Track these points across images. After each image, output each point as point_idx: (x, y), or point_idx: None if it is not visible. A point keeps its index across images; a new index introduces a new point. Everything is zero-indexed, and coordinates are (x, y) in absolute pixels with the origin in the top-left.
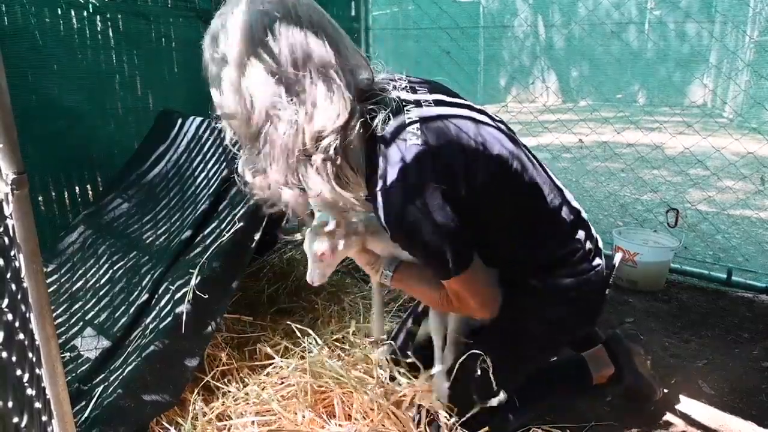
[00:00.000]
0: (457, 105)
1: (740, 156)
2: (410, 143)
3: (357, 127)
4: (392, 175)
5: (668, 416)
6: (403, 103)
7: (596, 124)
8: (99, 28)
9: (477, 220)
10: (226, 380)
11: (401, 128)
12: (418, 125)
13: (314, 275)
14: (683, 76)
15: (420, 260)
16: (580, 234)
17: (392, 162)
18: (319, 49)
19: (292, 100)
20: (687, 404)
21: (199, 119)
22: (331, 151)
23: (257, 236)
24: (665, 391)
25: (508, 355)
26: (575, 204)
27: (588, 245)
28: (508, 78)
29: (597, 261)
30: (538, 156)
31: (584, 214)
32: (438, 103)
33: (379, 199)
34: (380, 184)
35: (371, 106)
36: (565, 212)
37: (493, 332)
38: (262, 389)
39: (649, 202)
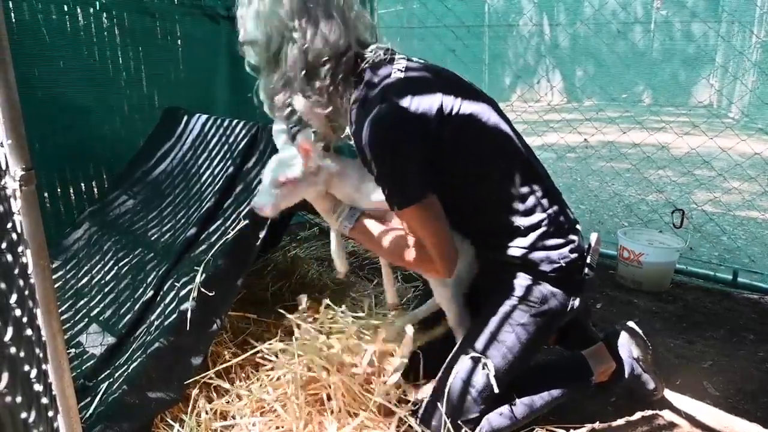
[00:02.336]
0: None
1: (746, 157)
2: (394, 76)
3: (350, 62)
4: (373, 97)
5: (673, 417)
6: (395, 54)
7: (601, 123)
8: (105, 26)
9: (443, 166)
10: (229, 378)
11: (388, 68)
12: (404, 65)
13: (266, 202)
14: (689, 76)
15: (381, 183)
16: (549, 209)
17: (375, 87)
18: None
19: (302, 25)
20: (692, 405)
21: (204, 116)
22: (328, 77)
23: (262, 234)
24: (670, 392)
25: (498, 345)
26: (549, 181)
27: (561, 218)
28: (513, 77)
29: (569, 237)
30: (543, 156)
31: (560, 197)
32: (426, 62)
33: (354, 115)
34: (359, 104)
35: (367, 53)
36: (534, 185)
37: (476, 326)
38: (265, 386)
39: (655, 202)
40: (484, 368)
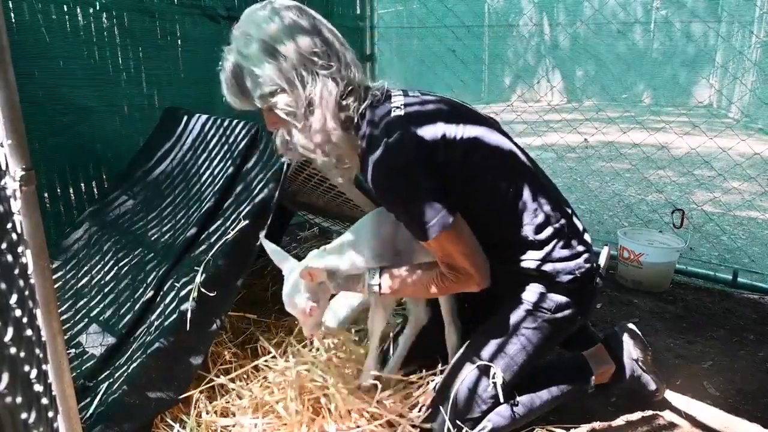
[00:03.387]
0: (443, 100)
1: (746, 157)
2: (394, 114)
3: (361, 99)
4: (377, 135)
5: (673, 418)
6: (391, 91)
7: (601, 123)
8: (105, 25)
9: (454, 191)
10: (229, 378)
11: (387, 106)
12: (402, 102)
13: (311, 329)
14: (689, 76)
15: (404, 219)
16: (560, 220)
17: (377, 126)
18: (334, 37)
19: (326, 55)
20: (692, 406)
21: (204, 117)
22: (352, 108)
23: (262, 234)
24: (670, 392)
25: (505, 351)
26: (556, 192)
27: (572, 229)
28: (513, 77)
29: (581, 248)
30: (543, 156)
31: (568, 207)
32: (423, 94)
33: (361, 155)
34: (365, 142)
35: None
36: (543, 198)
37: (485, 329)
38: (265, 388)
39: (655, 202)
40: (493, 377)
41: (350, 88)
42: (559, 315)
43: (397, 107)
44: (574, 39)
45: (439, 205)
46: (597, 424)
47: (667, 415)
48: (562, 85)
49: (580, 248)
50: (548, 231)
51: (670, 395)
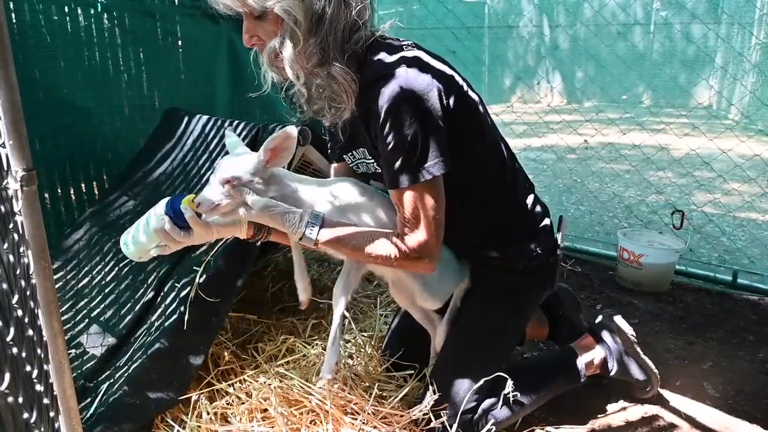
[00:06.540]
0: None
1: (746, 158)
2: (408, 52)
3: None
4: (394, 67)
5: (673, 418)
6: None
7: (601, 125)
8: (106, 26)
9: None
10: (229, 378)
11: (398, 45)
12: (411, 43)
13: (208, 197)
14: (689, 78)
15: (398, 152)
16: (530, 197)
17: (392, 59)
18: None
19: None
20: (691, 406)
21: (205, 117)
22: (358, 46)
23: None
24: (670, 393)
25: (483, 336)
26: (524, 171)
27: (538, 208)
28: (513, 78)
29: (542, 225)
30: (543, 157)
31: (532, 184)
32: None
33: (369, 81)
34: (377, 72)
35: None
36: (520, 175)
37: (464, 318)
38: (267, 383)
39: (655, 203)
40: (504, 388)
41: (362, 21)
42: (527, 294)
43: (409, 46)
44: (574, 40)
45: (438, 150)
46: (596, 425)
47: (667, 416)
48: (561, 87)
49: (543, 225)
50: (521, 211)
51: (669, 396)
